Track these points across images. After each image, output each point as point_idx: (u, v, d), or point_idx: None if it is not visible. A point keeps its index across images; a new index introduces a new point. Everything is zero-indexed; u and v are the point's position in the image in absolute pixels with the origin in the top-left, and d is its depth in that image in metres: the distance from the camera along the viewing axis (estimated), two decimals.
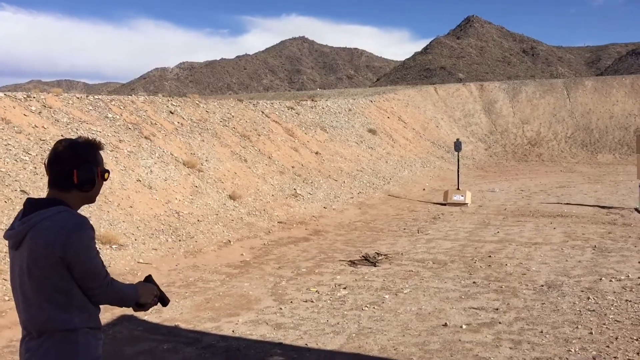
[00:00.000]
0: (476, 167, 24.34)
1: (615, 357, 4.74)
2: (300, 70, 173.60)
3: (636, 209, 12.71)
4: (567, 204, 13.95)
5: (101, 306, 2.30)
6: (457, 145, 14.85)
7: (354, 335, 5.46)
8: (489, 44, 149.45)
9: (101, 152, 2.36)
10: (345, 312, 6.14)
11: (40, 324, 2.15)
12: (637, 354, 4.80)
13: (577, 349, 4.96)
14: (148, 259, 8.04)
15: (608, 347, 4.98)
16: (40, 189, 8.48)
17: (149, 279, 2.48)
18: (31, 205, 2.20)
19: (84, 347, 2.17)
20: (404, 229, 11.11)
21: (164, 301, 2.48)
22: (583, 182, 18.74)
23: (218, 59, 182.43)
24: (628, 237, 9.75)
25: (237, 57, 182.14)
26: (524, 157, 27.06)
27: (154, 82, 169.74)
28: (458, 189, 14.72)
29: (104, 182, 2.37)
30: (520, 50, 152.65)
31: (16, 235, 2.17)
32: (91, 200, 2.33)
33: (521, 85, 33.21)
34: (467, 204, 13.89)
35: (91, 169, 2.24)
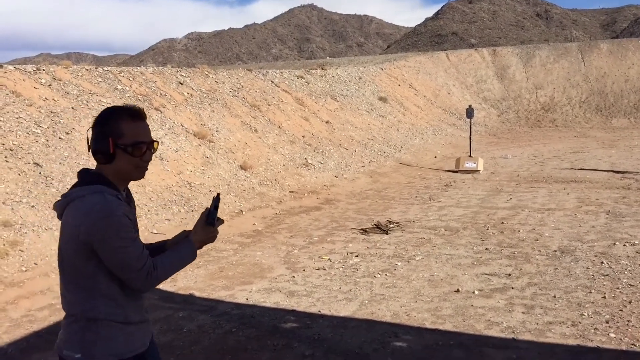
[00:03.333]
0: (488, 134, 24.13)
1: (628, 321, 4.74)
2: (309, 39, 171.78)
3: None
4: (580, 169, 13.82)
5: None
6: (469, 112, 14.68)
7: (366, 301, 5.50)
8: (502, 8, 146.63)
9: (130, 122, 2.06)
10: (358, 280, 6.17)
11: (67, 304, 2.06)
12: None
13: (590, 313, 4.96)
14: (162, 229, 8.10)
15: (621, 310, 4.98)
16: (52, 161, 8.54)
17: (211, 217, 2.18)
18: (78, 178, 2.08)
19: (104, 340, 2.02)
20: (416, 196, 11.09)
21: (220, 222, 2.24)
22: (597, 147, 18.51)
23: (226, 28, 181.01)
24: None
25: (246, 26, 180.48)
26: (537, 122, 26.75)
27: (162, 53, 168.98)
28: (470, 156, 14.61)
29: (141, 157, 2.07)
30: (533, 14, 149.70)
31: (58, 207, 2.06)
32: (123, 175, 2.08)
33: (535, 49, 32.63)
34: (479, 170, 13.80)
35: (101, 138, 2.01)
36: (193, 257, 2.16)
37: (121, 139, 2.02)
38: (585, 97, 28.47)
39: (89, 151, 2.07)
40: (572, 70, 30.32)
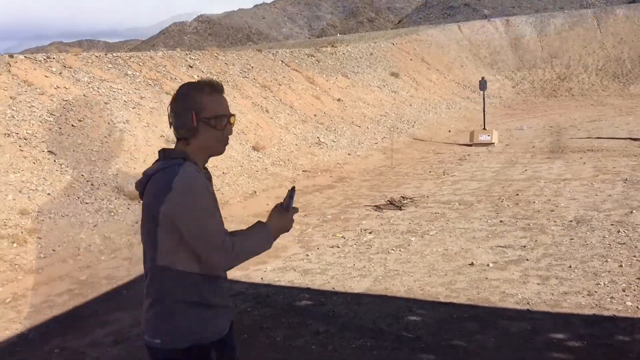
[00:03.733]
0: (503, 106, 23.82)
1: None
2: (319, 17, 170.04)
3: None
4: (597, 138, 13.61)
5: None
6: (482, 84, 14.50)
7: (380, 277, 5.50)
8: None
9: (211, 95, 2.06)
10: (372, 256, 6.17)
11: (146, 287, 2.03)
12: None
13: (606, 282, 4.91)
14: None
15: (638, 279, 4.93)
16: (66, 149, 8.61)
17: (285, 205, 2.18)
18: (158, 156, 2.06)
19: (180, 326, 1.97)
20: (430, 171, 11.02)
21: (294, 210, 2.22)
22: (614, 115, 18.20)
23: (236, 9, 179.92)
24: None
25: (255, 6, 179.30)
26: (553, 92, 26.34)
27: (173, 37, 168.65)
28: (484, 128, 14.44)
29: (223, 130, 2.06)
30: None
31: (139, 184, 2.06)
32: (206, 150, 2.06)
33: (549, 18, 31.99)
34: (494, 143, 13.65)
35: (184, 113, 1.99)
36: (269, 244, 2.12)
37: (203, 113, 2.00)
38: (602, 65, 27.93)
39: (170, 128, 2.06)
40: (588, 38, 29.70)
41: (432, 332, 4.28)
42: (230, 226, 6.60)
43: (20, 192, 7.31)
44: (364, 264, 5.94)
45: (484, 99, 15.34)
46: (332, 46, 21.64)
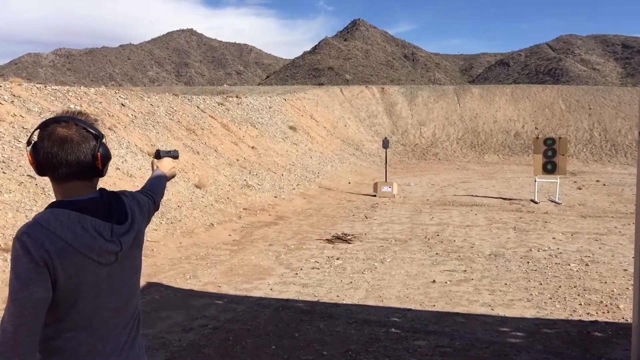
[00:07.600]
0: (384, 164, 26.53)
1: (564, 298, 6.61)
2: (188, 64, 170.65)
3: (532, 200, 15.27)
4: (475, 196, 16.29)
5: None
6: (385, 143, 16.69)
7: (369, 289, 6.92)
8: (374, 48, 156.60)
9: None
10: (351, 275, 7.57)
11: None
12: (578, 295, 6.71)
13: (536, 293, 6.78)
14: (153, 237, 8.93)
15: (557, 291, 6.86)
16: None
17: (157, 155, 2.58)
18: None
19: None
20: (353, 215, 12.70)
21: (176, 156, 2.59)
22: (479, 179, 21.45)
23: (99, 47, 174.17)
24: (536, 220, 12.04)
25: (121, 46, 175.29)
26: (423, 155, 29.84)
27: (26, 69, 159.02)
28: (386, 181, 16.56)
29: None
30: (402, 55, 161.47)
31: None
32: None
33: (417, 90, 36.26)
34: (394, 195, 15.77)
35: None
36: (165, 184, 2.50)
37: None
38: (461, 135, 32.21)
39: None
40: (450, 110, 34.14)
41: (433, 323, 5.77)
42: (209, 251, 7.70)
43: (17, 211, 7.74)
44: (349, 280, 7.32)
45: (386, 155, 17.55)
46: (237, 97, 23.04)
